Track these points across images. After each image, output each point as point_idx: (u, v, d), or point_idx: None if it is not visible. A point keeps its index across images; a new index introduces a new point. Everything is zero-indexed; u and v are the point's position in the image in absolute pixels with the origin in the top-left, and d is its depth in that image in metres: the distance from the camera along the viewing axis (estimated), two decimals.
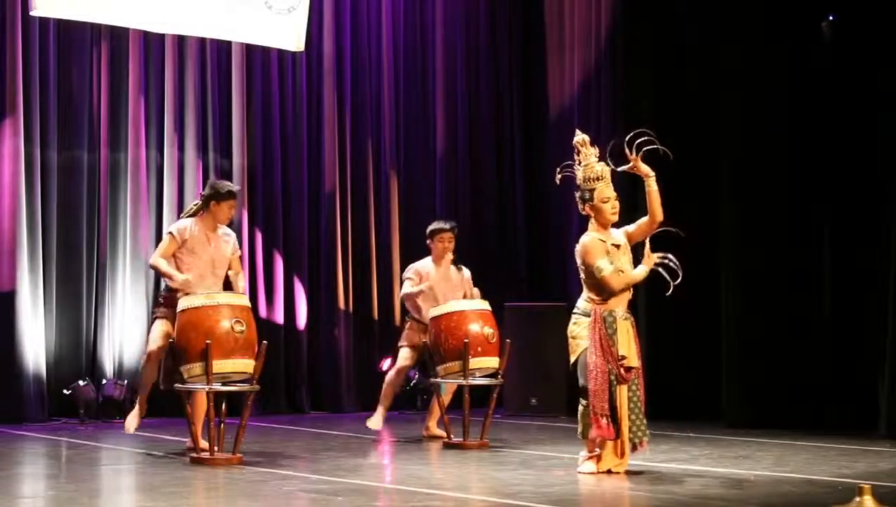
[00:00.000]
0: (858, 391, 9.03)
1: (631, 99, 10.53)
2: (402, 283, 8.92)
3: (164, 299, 7.71)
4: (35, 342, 9.91)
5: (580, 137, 6.96)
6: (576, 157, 6.95)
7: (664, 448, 7.86)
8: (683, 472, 6.94)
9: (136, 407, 7.76)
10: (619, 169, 6.92)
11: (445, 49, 12.03)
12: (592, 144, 6.94)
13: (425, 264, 8.78)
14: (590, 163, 6.89)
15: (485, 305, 8.50)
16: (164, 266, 7.64)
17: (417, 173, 11.90)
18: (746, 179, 9.53)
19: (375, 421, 8.67)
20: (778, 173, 9.45)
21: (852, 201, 9.18)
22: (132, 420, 7.69)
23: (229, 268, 7.91)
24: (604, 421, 6.65)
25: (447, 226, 8.82)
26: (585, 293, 6.84)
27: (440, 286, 8.65)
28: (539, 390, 10.49)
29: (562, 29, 11.66)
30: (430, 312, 8.47)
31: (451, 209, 11.87)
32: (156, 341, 7.62)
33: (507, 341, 8.41)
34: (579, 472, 6.75)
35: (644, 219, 6.93)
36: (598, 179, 6.85)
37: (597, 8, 11.22)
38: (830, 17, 9.43)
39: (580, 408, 6.79)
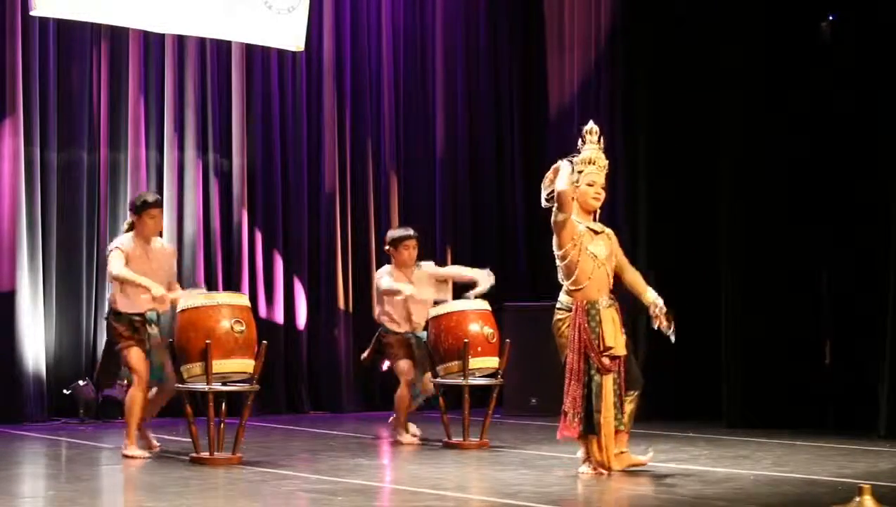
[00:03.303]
0: (858, 391, 9.03)
1: (631, 99, 10.54)
2: (377, 290, 8.57)
3: (120, 330, 7.62)
4: (35, 342, 9.91)
5: (592, 126, 6.99)
6: (580, 143, 6.98)
7: (664, 448, 7.85)
8: (683, 472, 6.93)
9: (134, 446, 7.63)
10: None
11: (445, 49, 12.03)
12: (600, 139, 6.97)
13: (391, 270, 8.55)
14: (591, 148, 6.92)
15: (485, 305, 8.50)
16: (133, 275, 7.53)
17: (417, 173, 11.90)
18: (746, 179, 9.53)
19: (406, 437, 8.44)
20: (778, 173, 9.45)
21: (852, 201, 9.18)
22: (139, 453, 7.62)
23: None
24: (571, 419, 6.67)
25: (412, 232, 8.62)
26: (563, 283, 6.85)
27: (412, 305, 8.48)
28: (539, 390, 10.47)
29: (562, 29, 11.66)
30: (430, 312, 8.46)
31: (451, 209, 11.88)
32: (141, 366, 7.59)
33: (507, 341, 8.41)
34: (580, 472, 6.75)
35: (622, 269, 6.98)
36: (591, 162, 6.88)
37: (597, 8, 11.21)
38: (830, 17, 9.43)
39: None
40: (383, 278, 8.50)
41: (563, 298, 6.84)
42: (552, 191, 6.75)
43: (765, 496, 6.09)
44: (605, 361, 6.68)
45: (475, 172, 12.08)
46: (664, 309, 6.86)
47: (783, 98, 9.45)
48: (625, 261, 7.03)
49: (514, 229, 12.17)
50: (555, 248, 6.85)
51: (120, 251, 7.65)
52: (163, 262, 7.85)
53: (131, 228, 7.80)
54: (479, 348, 8.21)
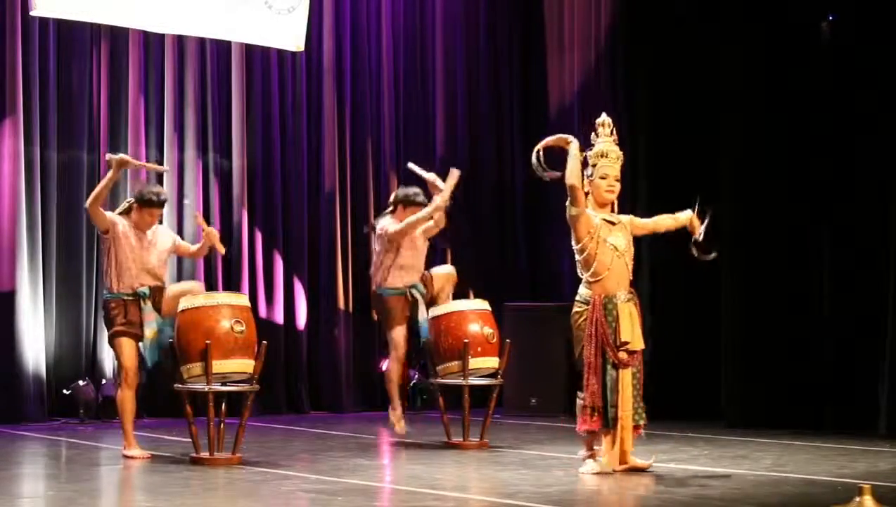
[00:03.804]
0: (858, 391, 9.03)
1: (631, 99, 10.53)
2: (379, 241, 8.47)
3: (114, 314, 7.65)
4: (35, 342, 9.90)
5: (605, 119, 7.01)
6: (593, 137, 7.00)
7: (664, 448, 7.85)
8: (683, 472, 6.94)
9: (133, 446, 7.63)
10: None
11: (445, 49, 12.02)
12: (612, 131, 6.99)
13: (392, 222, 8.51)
14: (604, 141, 6.93)
15: (485, 305, 8.50)
16: (101, 184, 7.67)
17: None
18: (746, 181, 9.53)
19: (399, 421, 8.44)
20: (778, 173, 9.45)
21: (852, 201, 9.18)
22: (139, 453, 7.63)
23: (181, 253, 8.17)
24: (589, 414, 6.68)
25: (424, 199, 8.55)
26: (582, 276, 6.86)
27: (412, 253, 8.49)
28: (539, 390, 10.49)
29: (562, 29, 11.66)
30: (430, 312, 8.45)
31: (451, 209, 11.84)
32: (130, 363, 7.61)
33: (507, 341, 8.41)
34: (581, 472, 6.75)
35: (651, 225, 7.08)
36: (603, 155, 6.91)
37: (597, 8, 11.22)
38: (830, 17, 9.43)
39: (578, 402, 6.79)
40: (391, 225, 8.42)
41: (581, 291, 6.87)
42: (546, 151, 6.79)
43: (764, 496, 6.10)
44: (622, 355, 6.69)
45: (475, 171, 12.07)
46: (699, 222, 7.00)
47: (783, 98, 9.45)
48: (648, 222, 7.12)
49: (514, 229, 12.17)
50: (573, 242, 6.87)
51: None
52: (157, 245, 7.83)
53: (129, 210, 7.79)
54: (479, 349, 8.21)
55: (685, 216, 7.08)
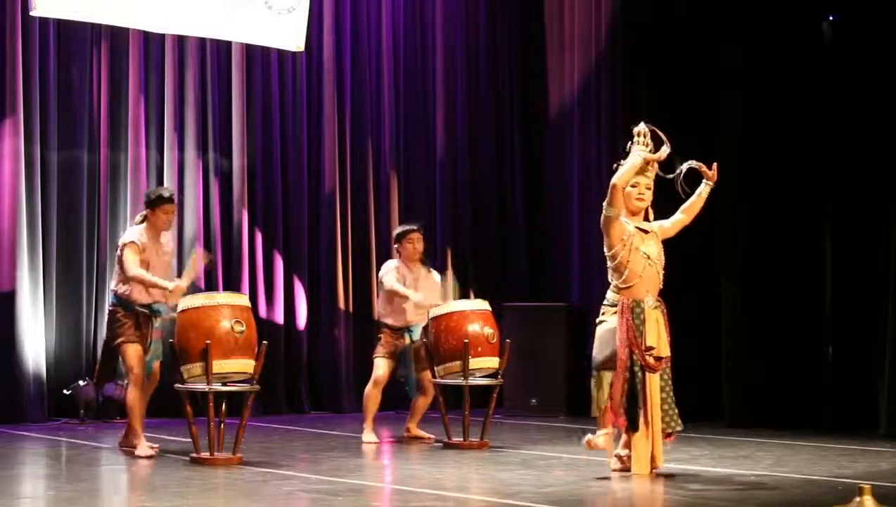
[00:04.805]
0: (858, 391, 9.03)
1: (631, 99, 10.53)
2: (379, 284, 8.78)
3: (123, 323, 7.69)
4: (35, 342, 9.90)
5: (642, 127, 7.00)
6: (629, 145, 7.01)
7: (664, 448, 7.84)
8: (683, 472, 6.94)
9: (140, 439, 7.70)
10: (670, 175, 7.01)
11: (445, 49, 12.02)
12: (652, 136, 6.98)
13: (398, 265, 8.63)
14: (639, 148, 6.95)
15: (485, 305, 8.51)
16: (149, 276, 7.63)
17: (417, 173, 11.90)
18: (746, 179, 9.53)
19: (369, 436, 8.53)
20: (778, 173, 9.46)
21: (852, 201, 9.19)
22: (145, 450, 7.66)
23: None
24: (620, 412, 6.66)
25: (416, 226, 8.73)
26: (612, 282, 6.85)
27: (424, 299, 8.55)
28: (539, 390, 10.50)
29: (562, 29, 11.65)
30: (430, 312, 8.47)
31: (451, 209, 11.87)
32: (137, 364, 7.65)
33: (507, 341, 8.42)
34: (587, 440, 6.71)
35: (680, 217, 7.08)
36: None
37: (597, 8, 11.21)
38: (830, 17, 9.44)
39: (592, 380, 6.76)
40: (387, 275, 8.56)
41: (609, 295, 6.86)
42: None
43: (765, 496, 6.10)
44: (650, 359, 6.66)
45: (475, 172, 12.07)
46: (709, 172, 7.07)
47: (783, 98, 9.46)
48: (676, 220, 7.10)
49: (514, 229, 12.16)
50: (605, 248, 6.85)
51: (135, 246, 7.69)
52: (168, 258, 7.95)
53: (144, 220, 7.84)
54: (480, 349, 8.21)
55: (704, 189, 7.08)
